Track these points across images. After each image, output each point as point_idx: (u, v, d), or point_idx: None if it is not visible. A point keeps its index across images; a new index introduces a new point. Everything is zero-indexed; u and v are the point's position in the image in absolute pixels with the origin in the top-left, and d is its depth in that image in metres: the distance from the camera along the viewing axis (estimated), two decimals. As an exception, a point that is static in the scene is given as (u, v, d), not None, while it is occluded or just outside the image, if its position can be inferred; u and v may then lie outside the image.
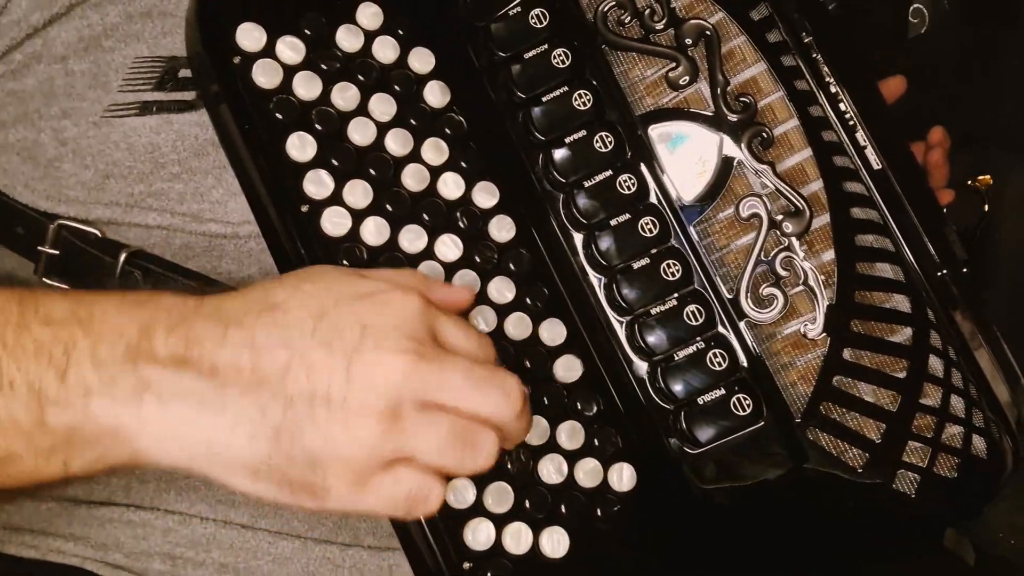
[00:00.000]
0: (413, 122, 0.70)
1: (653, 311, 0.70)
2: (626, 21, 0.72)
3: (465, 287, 0.66)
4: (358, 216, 0.67)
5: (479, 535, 0.65)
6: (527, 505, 0.66)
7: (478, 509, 0.65)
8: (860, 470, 0.69)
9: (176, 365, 0.53)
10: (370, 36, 0.70)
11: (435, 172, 0.70)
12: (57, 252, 0.74)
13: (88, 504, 0.79)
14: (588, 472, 0.69)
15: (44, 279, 0.75)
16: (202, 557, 0.79)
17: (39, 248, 0.75)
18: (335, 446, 0.53)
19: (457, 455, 0.55)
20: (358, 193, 0.67)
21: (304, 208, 0.66)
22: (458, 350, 0.57)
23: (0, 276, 0.78)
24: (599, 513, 0.68)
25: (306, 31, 0.68)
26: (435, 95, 0.71)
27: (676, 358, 0.70)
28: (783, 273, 0.71)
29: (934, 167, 0.94)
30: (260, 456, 0.53)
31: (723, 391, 0.70)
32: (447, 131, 0.70)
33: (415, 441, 0.54)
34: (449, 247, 0.69)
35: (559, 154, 0.71)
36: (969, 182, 1.03)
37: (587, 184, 0.71)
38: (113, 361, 0.53)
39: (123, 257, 0.74)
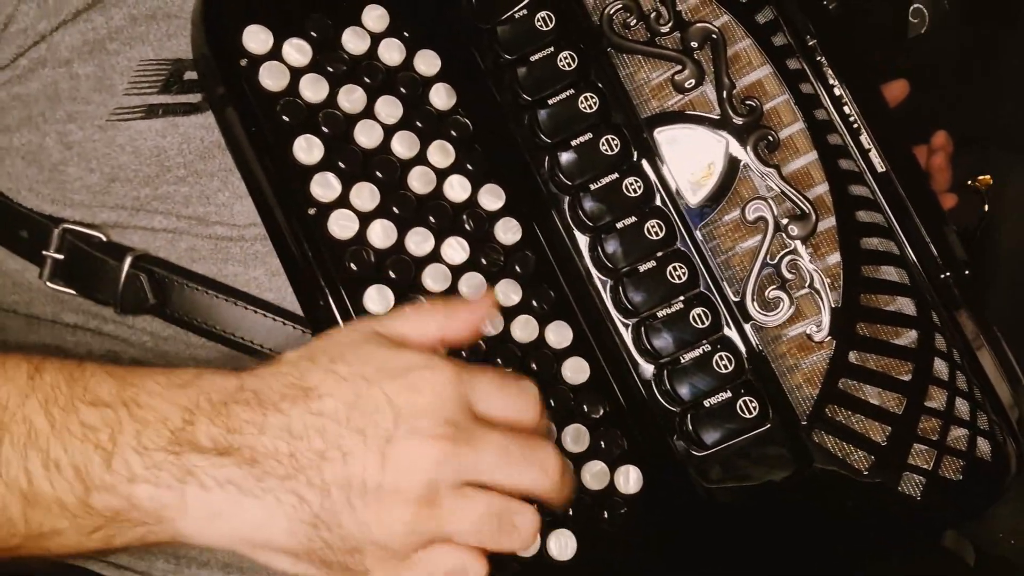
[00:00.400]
0: (419, 124, 0.70)
1: (659, 314, 0.70)
2: (632, 24, 0.72)
3: (486, 297, 0.67)
4: (365, 219, 0.67)
5: (487, 538, 0.65)
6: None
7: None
8: (866, 472, 0.69)
9: (219, 453, 0.54)
10: (376, 38, 0.70)
11: (441, 174, 0.70)
12: (62, 256, 0.74)
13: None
14: (595, 475, 0.69)
15: (48, 283, 0.75)
16: (206, 557, 0.79)
17: (44, 252, 0.74)
18: (371, 532, 0.54)
19: (495, 535, 0.56)
20: (365, 195, 0.67)
21: (311, 211, 0.66)
22: (496, 418, 0.57)
23: (7, 283, 0.77)
24: (606, 515, 0.68)
25: (312, 33, 0.67)
26: (441, 97, 0.71)
27: (682, 361, 0.70)
28: (789, 276, 0.71)
29: (937, 171, 0.94)
30: (299, 543, 0.54)
31: (729, 394, 0.70)
32: (453, 133, 0.70)
33: (451, 523, 0.55)
34: (455, 249, 0.69)
35: (565, 157, 0.71)
36: (969, 182, 1.04)
37: (593, 187, 0.71)
38: (158, 449, 0.54)
39: (128, 261, 0.74)
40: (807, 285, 0.71)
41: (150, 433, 0.54)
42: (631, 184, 0.71)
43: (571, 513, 0.67)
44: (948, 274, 0.72)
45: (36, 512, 0.55)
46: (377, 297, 0.66)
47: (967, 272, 0.73)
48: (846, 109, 0.72)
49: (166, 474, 0.54)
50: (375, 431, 0.54)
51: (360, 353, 0.57)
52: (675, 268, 0.70)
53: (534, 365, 0.69)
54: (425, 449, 0.54)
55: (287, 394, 0.55)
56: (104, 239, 0.75)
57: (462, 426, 0.55)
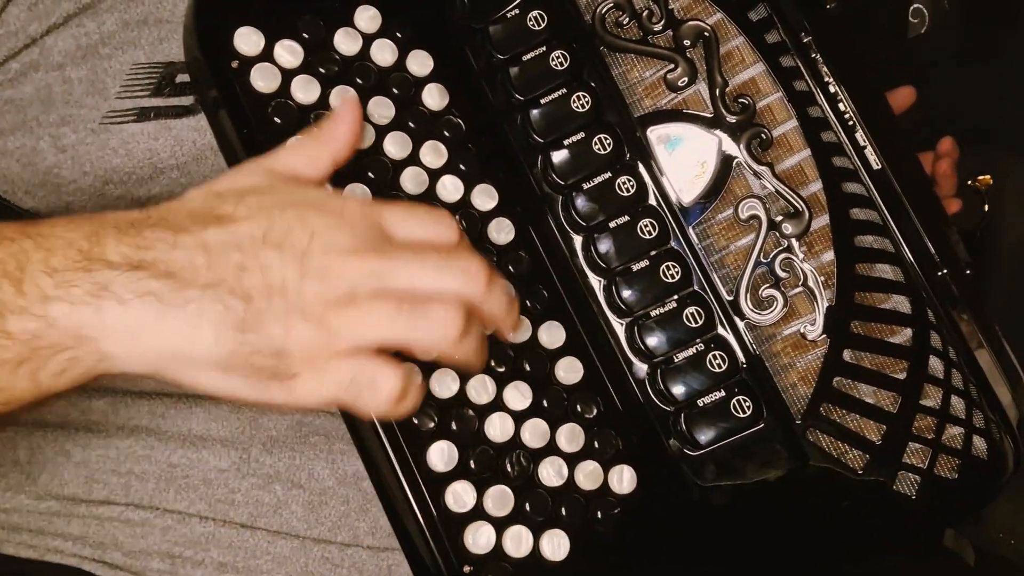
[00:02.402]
0: (412, 125, 0.70)
1: (653, 313, 0.70)
2: (624, 23, 0.72)
3: (347, 104, 0.65)
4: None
5: (479, 538, 0.65)
6: (527, 508, 0.66)
7: (478, 512, 0.65)
8: (860, 471, 0.69)
9: (131, 268, 0.53)
10: (368, 39, 0.70)
11: (434, 175, 0.70)
12: None
13: (87, 503, 0.80)
14: (588, 474, 0.69)
15: None
16: (201, 556, 0.79)
17: None
18: (296, 332, 0.54)
19: (407, 323, 0.55)
20: (357, 196, 0.67)
21: (303, 212, 0.66)
22: (413, 239, 0.57)
23: None
24: (599, 515, 0.68)
25: (304, 34, 0.68)
26: (433, 98, 0.71)
27: (676, 360, 0.70)
28: (783, 274, 0.71)
29: (942, 177, 0.94)
30: (227, 350, 0.54)
31: (723, 393, 0.70)
32: (446, 133, 0.70)
33: (366, 321, 0.54)
34: (448, 250, 0.69)
35: (558, 156, 0.71)
36: (969, 182, 1.03)
37: (586, 186, 0.71)
38: (67, 268, 0.53)
39: None
40: (801, 283, 0.70)
41: (58, 256, 0.54)
42: (624, 183, 0.71)
43: (564, 513, 0.67)
44: (945, 271, 0.72)
45: None
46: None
47: (968, 272, 0.73)
48: (841, 106, 0.72)
49: (79, 290, 0.53)
50: (291, 247, 0.54)
51: (269, 189, 0.57)
52: (668, 267, 0.70)
53: (527, 365, 0.69)
54: (342, 260, 0.55)
55: (198, 219, 0.55)
56: None
57: (375, 239, 0.56)
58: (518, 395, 0.67)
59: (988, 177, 1.01)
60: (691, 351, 0.70)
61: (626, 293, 0.70)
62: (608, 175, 0.71)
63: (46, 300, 0.53)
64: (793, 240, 0.71)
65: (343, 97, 0.67)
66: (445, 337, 0.56)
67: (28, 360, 0.54)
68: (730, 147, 0.71)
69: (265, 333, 0.54)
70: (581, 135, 0.71)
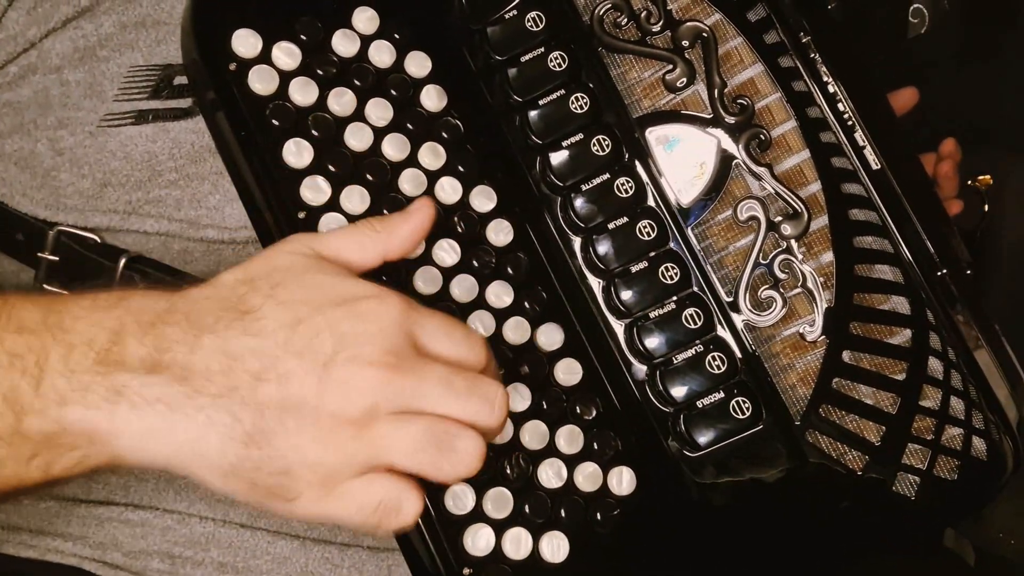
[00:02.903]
0: (410, 126, 0.70)
1: (652, 314, 0.70)
2: (623, 23, 0.72)
3: (422, 203, 0.63)
4: (355, 222, 0.67)
5: (479, 540, 0.65)
6: (527, 510, 0.66)
7: (477, 515, 0.65)
8: (860, 472, 0.69)
9: (148, 371, 0.53)
10: (366, 40, 0.70)
11: (432, 176, 0.70)
12: (57, 258, 0.75)
13: (86, 503, 0.80)
14: (587, 476, 0.68)
15: (44, 285, 0.75)
16: (201, 556, 0.79)
17: (39, 254, 0.75)
18: (304, 454, 0.53)
19: (433, 457, 0.54)
20: (355, 199, 0.67)
21: (301, 215, 0.66)
22: (441, 357, 0.56)
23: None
24: (599, 517, 0.68)
25: (302, 36, 0.67)
26: (432, 99, 0.71)
27: (675, 361, 0.70)
28: (782, 275, 0.70)
29: (943, 179, 0.94)
30: (229, 462, 0.53)
31: (722, 394, 0.69)
32: (444, 135, 0.70)
33: (388, 446, 0.54)
34: (447, 252, 0.69)
35: (556, 157, 0.71)
36: (969, 182, 1.03)
37: (585, 187, 0.71)
38: (85, 369, 0.54)
39: (123, 262, 0.74)
40: (800, 284, 0.70)
41: (76, 356, 0.54)
42: (623, 184, 0.71)
43: (563, 515, 0.67)
44: (945, 272, 0.72)
45: None
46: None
47: (968, 272, 0.73)
48: (840, 106, 0.72)
49: (94, 395, 0.53)
50: (314, 355, 0.53)
51: (304, 280, 0.56)
52: (667, 268, 0.70)
53: (526, 367, 0.69)
54: (365, 374, 0.53)
55: (222, 316, 0.54)
56: (98, 241, 0.75)
57: (405, 356, 0.54)
58: (517, 397, 0.67)
59: (988, 177, 1.01)
60: (690, 352, 0.70)
61: (625, 294, 0.70)
62: (607, 176, 0.71)
63: (63, 403, 0.54)
64: (792, 241, 0.70)
65: (419, 201, 0.64)
66: (467, 472, 0.55)
67: (41, 455, 0.55)
68: (729, 148, 0.71)
69: (271, 451, 0.53)
70: (580, 136, 0.71)
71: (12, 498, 0.57)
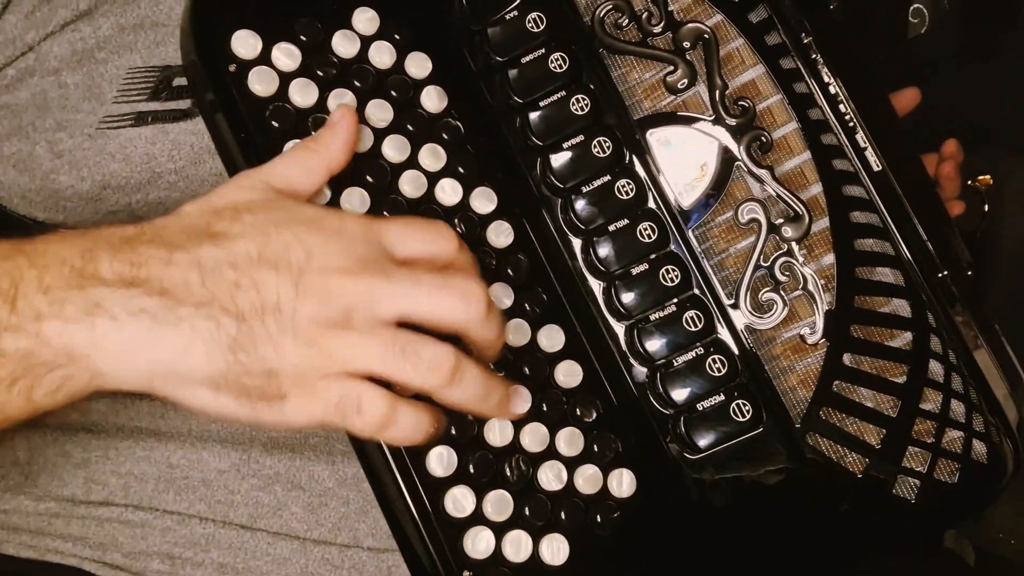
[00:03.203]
0: (410, 128, 0.69)
1: (652, 317, 0.70)
2: (624, 24, 0.72)
3: (342, 111, 0.64)
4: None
5: (479, 543, 0.65)
6: (527, 512, 0.66)
7: (477, 517, 0.65)
8: (860, 476, 0.69)
9: (125, 285, 0.53)
10: (366, 41, 0.69)
11: (433, 178, 0.69)
12: None
13: (86, 504, 0.80)
14: (588, 478, 0.68)
15: None
16: (201, 557, 0.79)
17: None
18: (286, 355, 0.54)
19: (400, 364, 0.55)
20: (355, 201, 0.66)
21: (301, 216, 0.66)
22: (413, 257, 0.57)
23: None
24: (599, 519, 0.68)
25: (302, 37, 0.67)
26: (432, 100, 0.70)
27: (675, 364, 0.70)
28: (782, 278, 0.70)
29: (945, 179, 0.94)
30: (218, 368, 0.54)
31: (723, 397, 0.69)
32: (444, 136, 0.70)
33: (358, 351, 0.55)
34: (447, 253, 0.68)
35: (557, 159, 0.71)
36: (969, 182, 1.03)
37: (585, 189, 0.71)
38: (60, 286, 0.54)
39: None
40: (801, 287, 0.70)
41: (52, 273, 0.54)
42: (623, 186, 0.71)
43: (564, 517, 0.67)
44: (946, 273, 0.72)
45: None
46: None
47: (969, 272, 0.73)
48: (842, 107, 0.71)
49: (72, 307, 0.53)
50: (287, 265, 0.54)
51: (267, 203, 0.57)
52: (668, 270, 0.70)
53: (527, 369, 0.69)
54: (338, 280, 0.55)
55: (193, 236, 0.55)
56: None
57: (373, 261, 0.56)
58: (519, 399, 0.67)
59: (988, 177, 1.01)
60: (691, 355, 0.70)
61: (626, 296, 0.70)
62: (607, 178, 0.71)
63: (39, 318, 0.53)
64: (793, 243, 0.70)
65: (338, 104, 0.66)
66: (429, 380, 0.56)
67: (22, 378, 0.54)
68: (730, 150, 0.71)
69: (257, 353, 0.54)
70: (580, 138, 0.70)
71: (2, 436, 0.57)
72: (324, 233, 0.56)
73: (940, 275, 0.71)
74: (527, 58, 0.71)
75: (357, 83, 0.68)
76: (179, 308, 0.53)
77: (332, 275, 0.55)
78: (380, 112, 0.68)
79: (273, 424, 0.56)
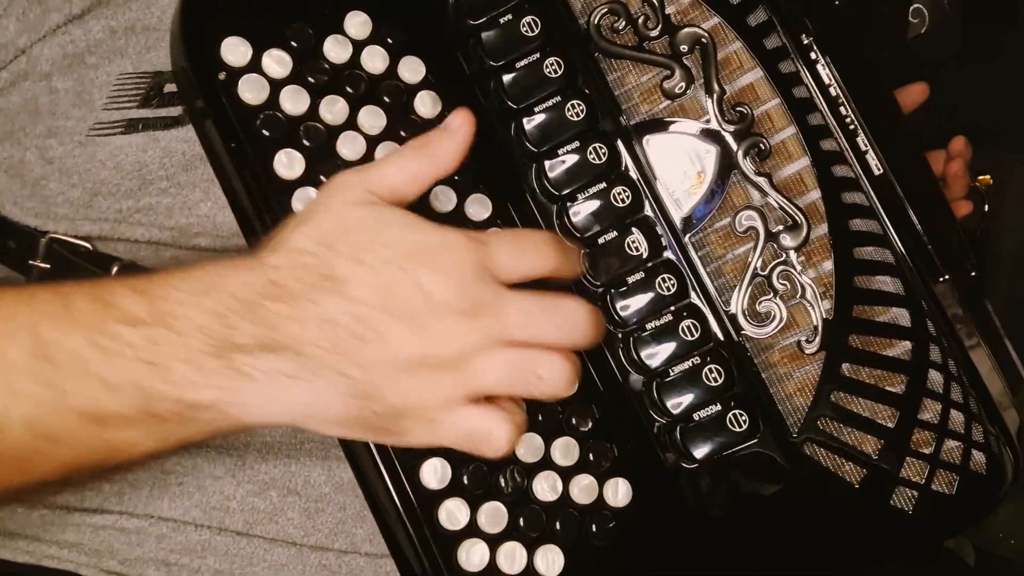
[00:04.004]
0: (403, 134, 0.68)
1: (648, 326, 0.69)
2: (620, 28, 0.71)
3: (459, 115, 0.65)
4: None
5: (473, 556, 0.64)
6: (521, 524, 0.66)
7: (472, 529, 0.65)
8: (857, 486, 0.68)
9: (263, 349, 0.58)
10: (359, 46, 0.68)
11: (427, 185, 0.69)
12: (48, 266, 0.74)
13: (80, 511, 0.79)
14: (583, 488, 0.68)
15: None
16: (197, 564, 0.79)
17: (31, 262, 0.74)
18: (411, 400, 0.59)
19: (522, 386, 0.60)
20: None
21: (294, 227, 0.65)
22: (519, 278, 0.61)
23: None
24: (594, 529, 0.68)
25: (293, 43, 0.66)
26: (426, 105, 0.69)
27: (672, 373, 0.69)
28: (780, 286, 0.70)
29: (952, 178, 0.92)
30: (351, 414, 0.59)
31: (719, 407, 0.69)
32: (439, 143, 0.69)
33: (480, 381, 0.60)
34: (442, 261, 0.68)
35: (552, 165, 0.70)
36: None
37: (581, 196, 0.70)
38: (206, 357, 0.58)
39: (115, 270, 0.74)
40: (799, 296, 0.70)
41: (193, 343, 0.58)
42: (619, 193, 0.70)
43: (559, 528, 0.67)
44: (947, 277, 0.71)
45: (110, 431, 0.59)
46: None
47: (973, 273, 0.72)
48: (842, 110, 0.71)
49: (218, 376, 0.58)
50: (406, 313, 0.58)
51: (379, 238, 0.59)
52: (664, 279, 0.69)
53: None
54: (455, 325, 0.59)
55: (317, 285, 0.59)
56: (90, 248, 0.74)
57: (483, 296, 0.59)
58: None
59: (988, 177, 1.00)
60: (687, 364, 0.69)
61: (621, 305, 0.69)
62: (603, 185, 0.70)
63: (188, 388, 0.58)
64: (791, 251, 0.70)
65: (458, 111, 0.65)
66: (564, 391, 0.61)
67: (176, 432, 0.60)
68: (728, 156, 0.70)
69: (384, 401, 0.59)
70: (576, 144, 0.69)
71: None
72: (440, 272, 0.59)
73: (942, 279, 0.71)
74: (522, 63, 0.70)
75: (349, 89, 0.67)
76: (312, 365, 0.58)
77: (449, 318, 0.59)
78: (373, 119, 0.67)
79: (395, 444, 0.63)
